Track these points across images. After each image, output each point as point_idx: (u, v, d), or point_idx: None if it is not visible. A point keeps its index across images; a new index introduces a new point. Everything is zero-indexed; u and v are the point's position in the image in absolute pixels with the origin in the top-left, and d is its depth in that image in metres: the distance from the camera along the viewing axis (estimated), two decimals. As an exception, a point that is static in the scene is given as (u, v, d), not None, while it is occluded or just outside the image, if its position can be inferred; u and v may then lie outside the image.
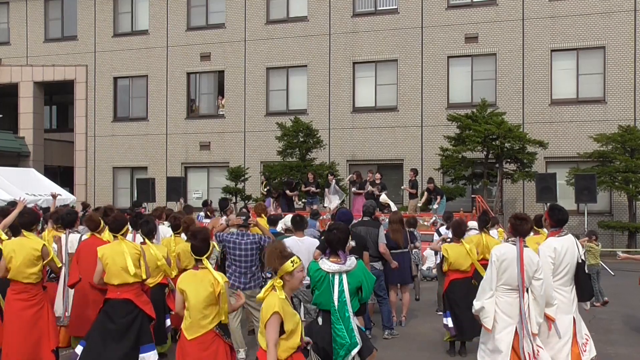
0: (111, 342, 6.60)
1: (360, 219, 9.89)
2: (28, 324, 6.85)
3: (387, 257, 9.49)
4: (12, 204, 13.96)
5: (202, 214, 15.79)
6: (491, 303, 5.97)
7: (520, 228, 6.02)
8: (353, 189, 19.87)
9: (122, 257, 6.74)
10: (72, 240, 8.59)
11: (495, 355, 5.98)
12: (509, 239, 6.15)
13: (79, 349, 6.95)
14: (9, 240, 7.22)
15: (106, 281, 6.76)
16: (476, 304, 6.07)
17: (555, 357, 6.13)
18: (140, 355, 6.67)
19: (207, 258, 5.64)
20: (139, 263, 6.80)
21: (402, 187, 20.94)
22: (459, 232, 8.77)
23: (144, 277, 6.83)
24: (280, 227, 10.34)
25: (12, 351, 6.78)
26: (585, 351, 6.26)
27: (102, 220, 8.20)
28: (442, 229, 12.14)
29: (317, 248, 7.98)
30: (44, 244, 7.06)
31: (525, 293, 5.92)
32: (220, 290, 5.45)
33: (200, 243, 5.62)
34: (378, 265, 9.36)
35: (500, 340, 5.95)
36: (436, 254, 13.36)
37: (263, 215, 11.13)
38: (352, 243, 8.12)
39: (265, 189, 20.92)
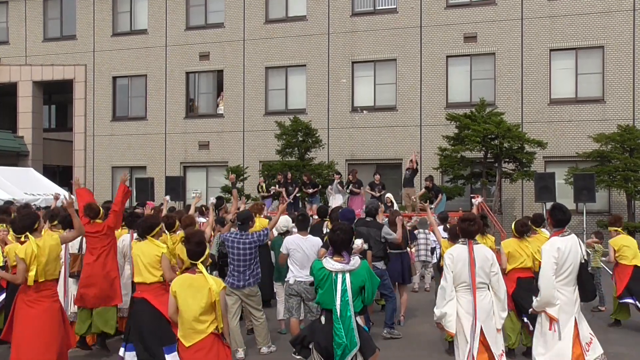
0: (142, 343, 6.79)
1: (361, 219, 9.88)
2: (54, 321, 6.72)
3: (398, 242, 9.58)
4: (9, 203, 13.99)
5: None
6: (452, 307, 6.07)
7: (469, 229, 6.16)
8: (350, 189, 19.85)
9: (144, 257, 7.03)
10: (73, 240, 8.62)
11: (469, 354, 5.99)
12: (460, 240, 6.25)
13: (127, 356, 7.13)
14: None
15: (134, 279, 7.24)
16: (437, 312, 6.12)
17: (557, 358, 6.14)
18: (166, 356, 6.68)
19: (203, 262, 5.52)
20: (159, 265, 6.96)
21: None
22: (455, 237, 8.86)
23: (162, 279, 7.04)
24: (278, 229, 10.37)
25: (34, 352, 6.58)
26: (588, 351, 6.27)
27: (101, 209, 8.46)
28: (439, 229, 12.11)
29: (323, 247, 8.01)
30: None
31: (487, 290, 6.11)
32: (216, 299, 5.34)
33: (194, 247, 5.50)
34: (380, 265, 9.38)
35: (471, 339, 5.98)
36: (433, 252, 13.40)
37: (259, 215, 11.19)
38: (365, 246, 8.12)
39: (268, 191, 20.85)
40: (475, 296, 5.99)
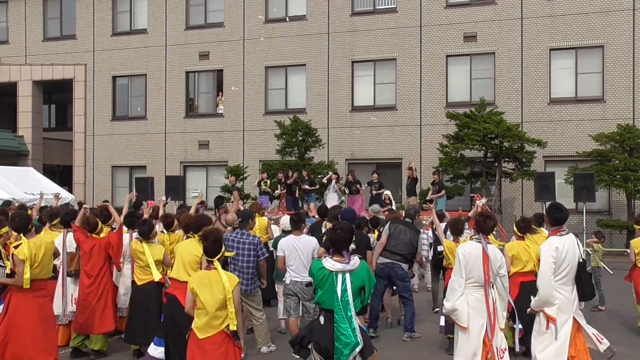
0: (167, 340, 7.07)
1: (401, 220, 10.09)
2: (48, 318, 6.85)
3: (421, 264, 10.48)
4: (7, 204, 13.97)
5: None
6: (463, 302, 6.06)
7: (484, 225, 6.14)
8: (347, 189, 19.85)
9: (186, 255, 7.18)
10: (70, 239, 8.62)
11: (470, 353, 6.00)
12: (474, 237, 6.22)
13: (153, 350, 7.18)
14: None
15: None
16: (447, 305, 6.12)
17: (553, 358, 6.14)
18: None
19: (219, 260, 5.66)
20: (197, 265, 7.04)
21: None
22: (456, 230, 8.86)
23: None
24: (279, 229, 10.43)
25: (31, 348, 6.61)
26: (601, 341, 6.30)
27: (99, 223, 8.37)
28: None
29: (322, 246, 8.00)
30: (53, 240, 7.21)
31: (492, 289, 6.08)
32: (229, 295, 5.49)
33: (211, 244, 5.67)
34: (406, 267, 9.50)
35: (475, 338, 6.02)
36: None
37: (259, 214, 11.19)
38: (352, 246, 8.14)
39: (269, 187, 20.91)
40: (487, 293, 5.98)
